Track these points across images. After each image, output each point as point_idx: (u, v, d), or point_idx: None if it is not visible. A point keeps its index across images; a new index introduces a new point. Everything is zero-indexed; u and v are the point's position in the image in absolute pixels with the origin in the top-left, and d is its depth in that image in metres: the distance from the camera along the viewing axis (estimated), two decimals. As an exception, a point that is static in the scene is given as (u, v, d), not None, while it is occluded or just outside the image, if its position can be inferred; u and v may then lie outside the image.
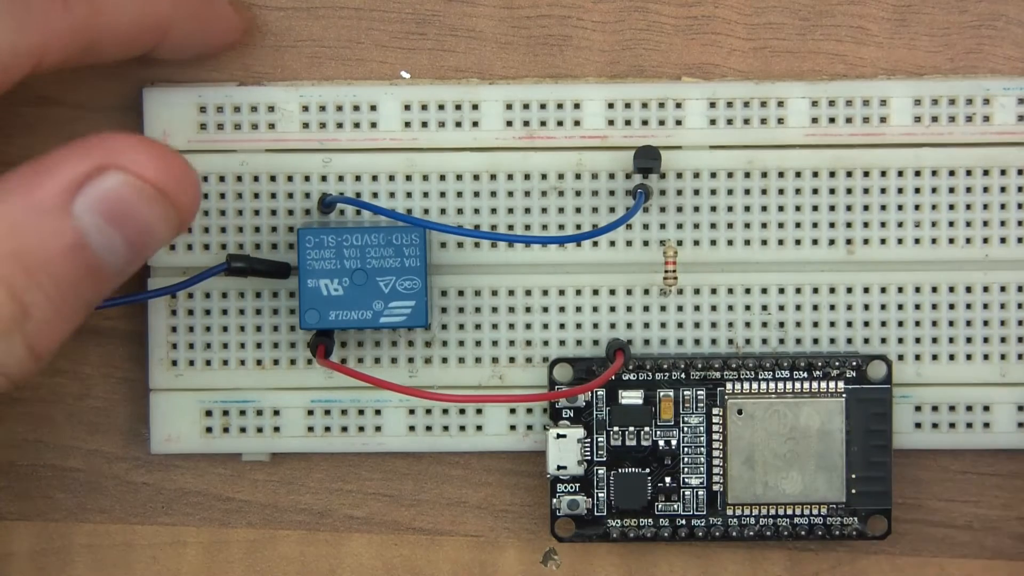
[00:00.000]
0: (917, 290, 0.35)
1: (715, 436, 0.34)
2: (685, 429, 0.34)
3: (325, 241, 0.33)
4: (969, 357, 0.35)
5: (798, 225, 0.34)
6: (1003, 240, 0.34)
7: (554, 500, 0.34)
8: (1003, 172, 0.34)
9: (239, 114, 0.34)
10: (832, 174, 0.34)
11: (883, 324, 0.35)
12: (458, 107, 0.34)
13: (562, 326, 0.35)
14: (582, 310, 0.35)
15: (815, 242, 0.35)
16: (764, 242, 0.35)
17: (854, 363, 0.34)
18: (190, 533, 0.36)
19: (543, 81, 0.35)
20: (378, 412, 0.35)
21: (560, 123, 0.34)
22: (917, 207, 0.34)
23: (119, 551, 0.36)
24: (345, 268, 0.33)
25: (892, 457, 0.34)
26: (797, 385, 0.34)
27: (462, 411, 0.35)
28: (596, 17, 0.35)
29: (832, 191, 0.34)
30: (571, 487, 0.34)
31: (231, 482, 0.36)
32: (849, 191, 0.34)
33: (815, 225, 0.34)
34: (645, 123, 0.34)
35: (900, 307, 0.35)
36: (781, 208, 0.34)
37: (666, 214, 0.35)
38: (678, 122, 0.34)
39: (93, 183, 0.29)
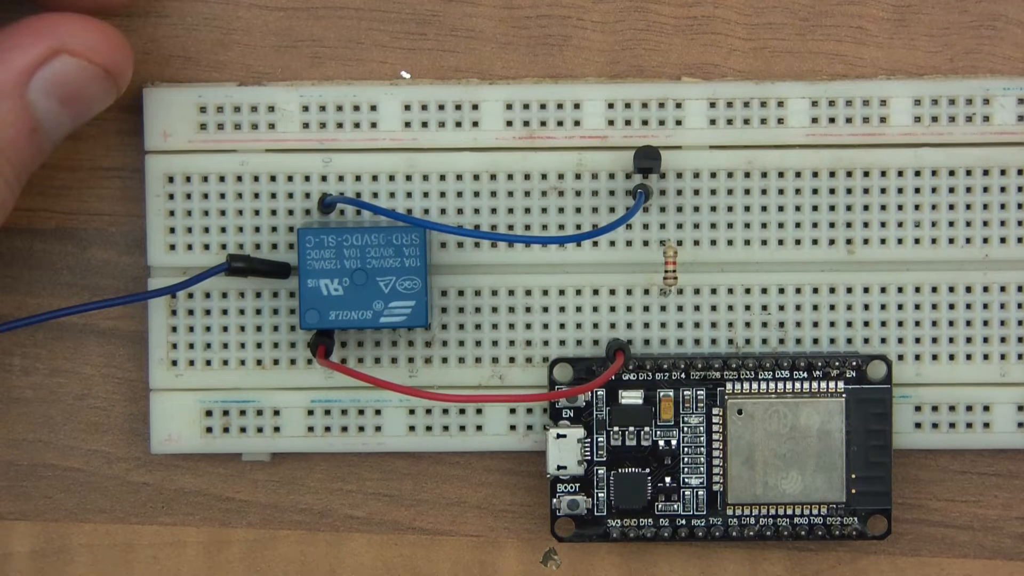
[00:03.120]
0: (917, 290, 0.35)
1: (715, 436, 0.34)
2: (685, 429, 0.34)
3: (325, 241, 0.33)
4: (969, 357, 0.35)
5: (798, 225, 0.34)
6: (1003, 240, 0.34)
7: (554, 500, 0.34)
8: (1003, 172, 0.34)
9: (239, 114, 0.34)
10: (832, 174, 0.34)
11: (883, 324, 0.35)
12: (458, 107, 0.34)
13: (562, 326, 0.35)
14: (582, 310, 0.35)
15: (815, 242, 0.35)
16: (764, 242, 0.35)
17: (854, 363, 0.34)
18: (190, 533, 0.36)
19: (543, 81, 0.35)
20: (378, 412, 0.35)
21: (560, 123, 0.34)
22: (917, 207, 0.34)
23: (119, 551, 0.36)
24: (345, 268, 0.33)
25: (892, 457, 0.34)
26: (797, 385, 0.34)
27: (462, 411, 0.35)
28: (596, 17, 0.35)
29: (832, 191, 0.34)
30: (571, 487, 0.34)
31: (231, 482, 0.36)
32: (849, 191, 0.34)
33: (815, 225, 0.34)
34: (645, 123, 0.34)
35: (900, 307, 0.35)
36: (781, 208, 0.34)
37: (666, 214, 0.35)
38: (678, 122, 0.34)
39: (47, 67, 0.30)
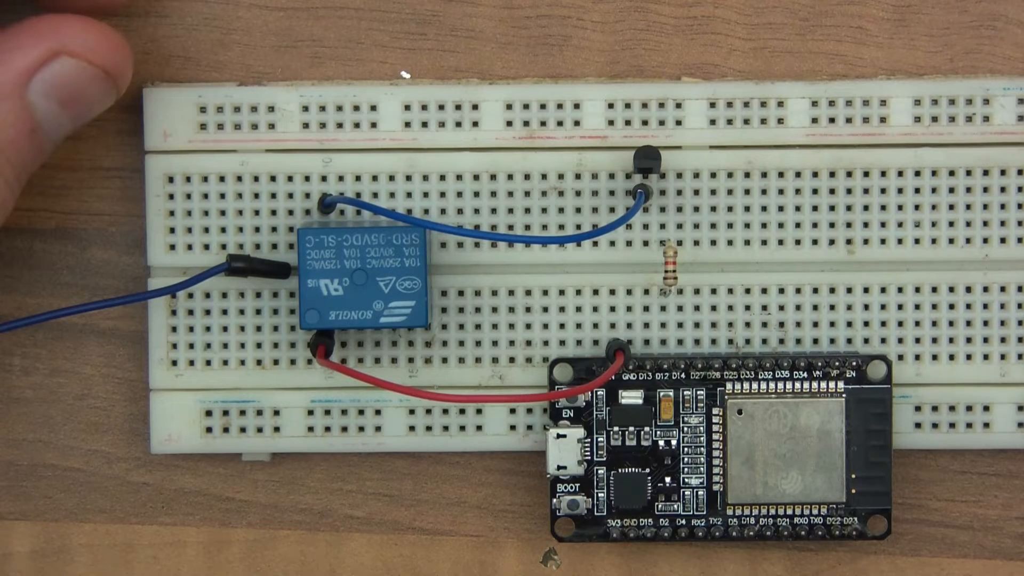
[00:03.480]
0: (917, 290, 0.35)
1: (715, 436, 0.34)
2: (685, 429, 0.34)
3: (325, 241, 0.33)
4: (969, 357, 0.35)
5: (798, 225, 0.34)
6: (1003, 240, 0.34)
7: (554, 500, 0.34)
8: (1003, 172, 0.34)
9: (239, 114, 0.34)
10: (832, 174, 0.34)
11: (883, 324, 0.35)
12: (458, 107, 0.34)
13: (562, 326, 0.35)
14: (582, 310, 0.35)
15: (815, 242, 0.35)
16: (764, 242, 0.35)
17: (854, 363, 0.34)
18: (190, 533, 0.36)
19: (543, 81, 0.35)
20: (378, 412, 0.35)
21: (560, 123, 0.34)
22: (917, 207, 0.34)
23: (119, 551, 0.36)
24: (345, 268, 0.33)
25: (892, 457, 0.34)
26: (797, 385, 0.34)
27: (462, 411, 0.35)
28: (596, 17, 0.35)
29: (832, 191, 0.34)
30: (571, 487, 0.34)
31: (231, 482, 0.36)
32: (849, 191, 0.34)
33: (815, 225, 0.34)
34: (645, 123, 0.34)
35: (900, 307, 0.35)
36: (781, 208, 0.34)
37: (666, 214, 0.35)
38: (678, 122, 0.34)
39: (47, 68, 0.31)
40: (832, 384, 0.34)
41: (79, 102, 0.31)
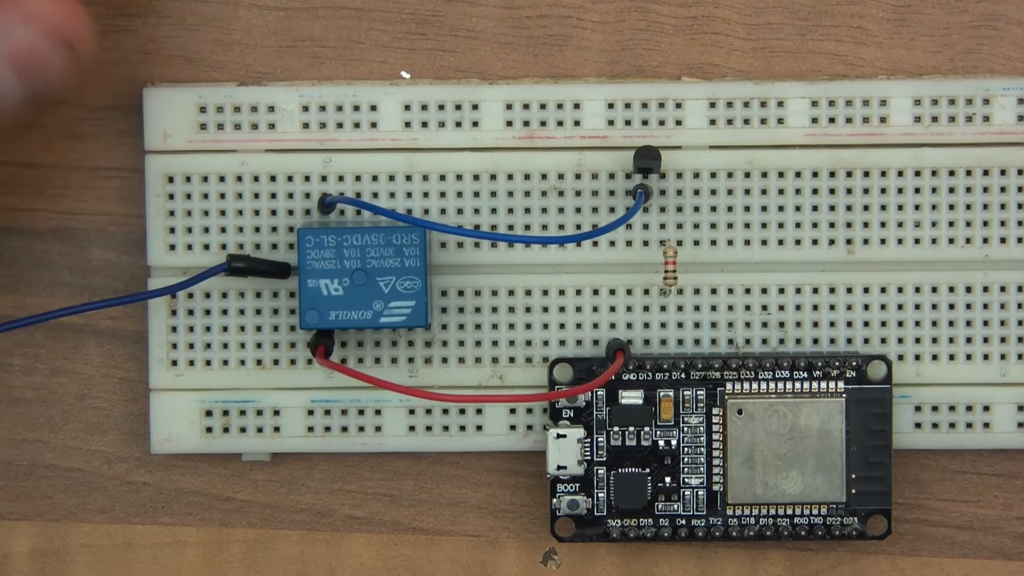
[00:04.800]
0: (917, 290, 0.35)
1: (715, 436, 0.34)
2: (685, 429, 0.34)
3: (325, 241, 0.33)
4: (969, 357, 0.35)
5: (798, 225, 0.34)
6: (1003, 240, 0.34)
7: (554, 500, 0.34)
8: (1003, 172, 0.34)
9: (239, 114, 0.34)
10: (832, 174, 0.34)
11: (883, 324, 0.35)
12: (458, 107, 0.34)
13: (562, 326, 0.35)
14: (582, 310, 0.35)
15: (815, 242, 0.35)
16: (764, 242, 0.35)
17: (854, 363, 0.34)
18: (190, 533, 0.36)
19: (543, 81, 0.35)
20: (378, 412, 0.35)
21: (560, 123, 0.34)
22: (917, 207, 0.34)
23: (119, 551, 0.36)
24: (345, 268, 0.33)
25: (892, 457, 0.34)
26: (797, 385, 0.34)
27: (462, 411, 0.35)
28: (596, 17, 0.35)
29: (832, 191, 0.34)
30: (571, 487, 0.34)
31: (231, 482, 0.36)
32: (849, 191, 0.34)
33: (815, 225, 0.34)
34: (645, 123, 0.34)
35: (900, 307, 0.35)
36: (781, 208, 0.34)
37: (666, 214, 0.35)
38: (678, 122, 0.34)
39: (2, 37, 0.29)
40: (832, 384, 0.34)
41: (37, 72, 0.30)
